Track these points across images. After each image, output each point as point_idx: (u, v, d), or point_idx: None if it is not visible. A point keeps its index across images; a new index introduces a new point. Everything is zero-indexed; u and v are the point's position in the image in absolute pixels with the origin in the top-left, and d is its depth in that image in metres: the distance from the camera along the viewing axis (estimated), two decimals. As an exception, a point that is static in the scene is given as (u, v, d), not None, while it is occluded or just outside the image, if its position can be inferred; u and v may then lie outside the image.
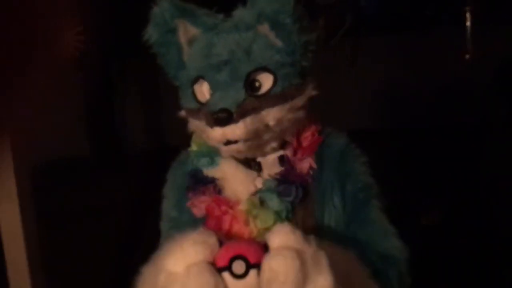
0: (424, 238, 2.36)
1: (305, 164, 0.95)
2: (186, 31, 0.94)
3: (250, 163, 0.95)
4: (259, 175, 0.95)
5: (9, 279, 1.65)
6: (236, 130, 0.85)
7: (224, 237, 0.82)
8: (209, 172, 0.98)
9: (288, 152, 0.95)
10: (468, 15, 2.60)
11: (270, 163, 0.95)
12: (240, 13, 0.91)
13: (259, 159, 0.95)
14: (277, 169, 0.94)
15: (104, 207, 3.31)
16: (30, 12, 1.43)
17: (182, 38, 0.94)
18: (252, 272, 0.73)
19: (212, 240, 0.77)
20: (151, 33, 0.94)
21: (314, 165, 0.95)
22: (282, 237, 0.76)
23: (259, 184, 0.94)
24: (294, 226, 0.79)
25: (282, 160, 0.95)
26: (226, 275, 0.74)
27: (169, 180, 1.06)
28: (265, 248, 0.76)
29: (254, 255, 0.74)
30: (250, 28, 0.89)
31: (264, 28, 0.89)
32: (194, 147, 1.02)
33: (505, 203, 2.72)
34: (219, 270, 0.74)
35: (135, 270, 0.88)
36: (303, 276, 0.72)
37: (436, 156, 3.48)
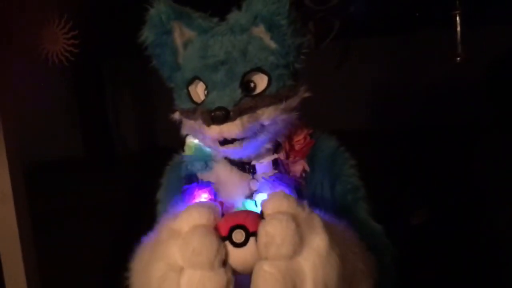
0: (413, 238, 2.39)
1: (298, 167, 0.97)
2: (182, 33, 0.96)
3: (244, 166, 0.97)
4: (253, 178, 0.96)
5: (5, 278, 1.66)
6: (232, 128, 0.86)
7: (225, 210, 0.84)
8: (204, 176, 1.00)
9: (281, 156, 0.97)
10: (458, 18, 2.63)
11: (264, 166, 0.97)
12: (236, 16, 0.93)
13: (253, 162, 0.97)
14: (271, 172, 0.96)
15: (97, 208, 3.32)
16: (20, 14, 1.43)
17: (178, 40, 0.96)
18: (251, 240, 0.75)
19: (216, 208, 0.80)
20: (147, 35, 0.95)
21: (307, 168, 0.98)
22: (275, 203, 0.78)
23: (253, 186, 0.96)
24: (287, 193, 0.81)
25: (275, 163, 0.97)
26: (227, 244, 0.75)
27: (164, 184, 1.07)
28: (261, 216, 0.78)
29: (252, 224, 0.76)
30: (245, 31, 0.92)
31: (259, 30, 0.91)
32: (187, 151, 1.04)
33: (495, 203, 2.76)
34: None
35: (127, 269, 0.90)
36: (299, 237, 0.73)
37: (425, 157, 3.51)
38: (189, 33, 0.96)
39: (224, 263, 0.75)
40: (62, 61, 1.64)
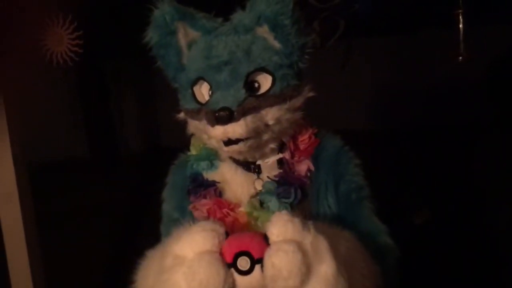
0: (416, 237, 2.40)
1: (303, 166, 0.97)
2: (186, 33, 0.96)
3: (250, 166, 0.98)
4: (258, 178, 0.97)
5: (11, 278, 1.67)
6: (236, 128, 0.86)
7: (229, 229, 0.82)
8: (209, 175, 1.00)
9: (286, 155, 0.97)
10: (461, 17, 2.63)
11: (269, 165, 0.97)
12: (239, 16, 0.93)
13: (258, 162, 0.97)
14: (275, 171, 0.97)
15: (100, 207, 3.33)
16: (24, 15, 1.44)
17: (182, 40, 0.96)
18: (257, 267, 0.74)
19: (221, 229, 0.78)
20: (152, 35, 0.95)
21: (312, 167, 0.98)
22: (280, 228, 0.75)
23: (258, 186, 0.96)
24: (292, 214, 0.79)
25: (280, 162, 0.97)
26: (232, 271, 0.74)
27: (169, 183, 1.07)
28: (265, 238, 0.76)
29: (257, 250, 0.75)
30: (249, 31, 0.92)
31: (263, 30, 0.91)
32: (193, 151, 1.04)
33: (497, 203, 2.76)
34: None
35: (131, 269, 0.90)
36: (306, 267, 0.72)
37: (427, 157, 3.51)
38: (193, 33, 0.96)
39: None
40: (66, 62, 1.64)
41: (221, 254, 0.75)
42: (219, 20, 0.97)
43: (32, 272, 1.66)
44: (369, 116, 4.39)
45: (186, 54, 0.97)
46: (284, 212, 0.80)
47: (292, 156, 0.97)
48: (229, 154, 0.97)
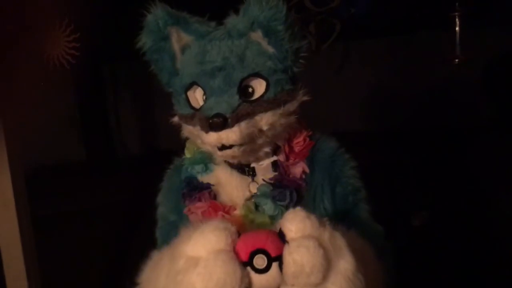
0: (415, 239, 2.40)
1: (298, 169, 0.97)
2: (179, 38, 0.95)
3: (244, 169, 0.97)
4: (253, 181, 0.97)
5: (7, 282, 1.66)
6: (230, 134, 0.86)
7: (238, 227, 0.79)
8: (204, 178, 1.00)
9: (280, 158, 0.97)
10: (457, 19, 2.64)
11: (264, 168, 0.97)
12: (233, 21, 0.92)
13: (253, 164, 0.97)
14: (270, 174, 0.96)
15: (98, 211, 3.33)
16: (22, 17, 1.43)
17: (175, 45, 0.95)
18: (274, 265, 0.72)
19: (233, 228, 0.76)
20: (145, 40, 0.95)
21: (307, 170, 0.97)
22: (298, 224, 0.74)
23: (253, 189, 0.96)
24: (306, 210, 0.77)
25: (275, 165, 0.97)
26: (248, 270, 0.73)
27: (165, 186, 1.07)
28: (280, 235, 0.74)
29: (273, 248, 0.73)
30: (242, 35, 0.91)
31: (257, 35, 0.90)
32: (187, 154, 1.04)
33: (496, 204, 2.75)
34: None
35: (128, 273, 0.90)
36: (327, 263, 0.72)
37: (425, 158, 3.51)
38: (187, 38, 0.95)
39: None
40: (63, 64, 1.64)
41: (235, 253, 0.73)
42: (213, 24, 0.96)
43: (28, 277, 1.65)
44: (368, 117, 4.39)
45: (180, 58, 0.96)
46: (298, 208, 0.78)
47: (287, 159, 0.97)
48: (223, 158, 0.96)
